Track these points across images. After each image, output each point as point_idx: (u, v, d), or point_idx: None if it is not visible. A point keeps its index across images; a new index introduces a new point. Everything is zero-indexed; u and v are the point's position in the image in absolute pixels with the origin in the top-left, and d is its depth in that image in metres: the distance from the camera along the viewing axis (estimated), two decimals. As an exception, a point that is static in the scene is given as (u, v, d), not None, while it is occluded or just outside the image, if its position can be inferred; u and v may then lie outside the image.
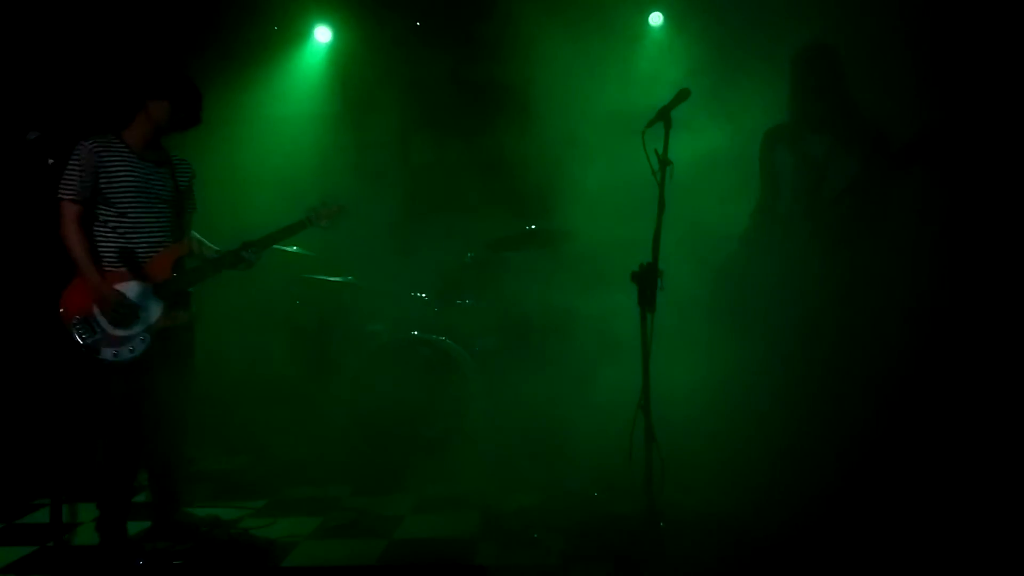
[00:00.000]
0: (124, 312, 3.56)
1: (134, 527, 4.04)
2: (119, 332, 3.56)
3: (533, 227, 5.43)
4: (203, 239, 3.98)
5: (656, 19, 6.31)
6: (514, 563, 3.47)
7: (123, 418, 3.60)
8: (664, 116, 3.44)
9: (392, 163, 6.28)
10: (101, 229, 3.63)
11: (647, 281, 3.24)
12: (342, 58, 6.69)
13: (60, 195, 3.56)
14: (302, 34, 6.66)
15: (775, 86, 4.00)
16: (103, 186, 3.57)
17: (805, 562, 3.19)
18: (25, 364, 4.93)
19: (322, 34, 6.65)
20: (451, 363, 5.18)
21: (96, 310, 3.56)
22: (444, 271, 5.59)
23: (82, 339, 3.52)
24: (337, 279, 5.59)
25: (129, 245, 3.63)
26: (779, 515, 3.45)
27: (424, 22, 6.52)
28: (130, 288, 3.62)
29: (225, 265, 3.85)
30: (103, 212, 3.61)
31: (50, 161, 3.28)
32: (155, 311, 3.64)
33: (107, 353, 3.55)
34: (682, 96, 3.48)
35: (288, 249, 5.49)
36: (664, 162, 3.39)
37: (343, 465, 5.11)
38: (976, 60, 4.50)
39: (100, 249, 3.62)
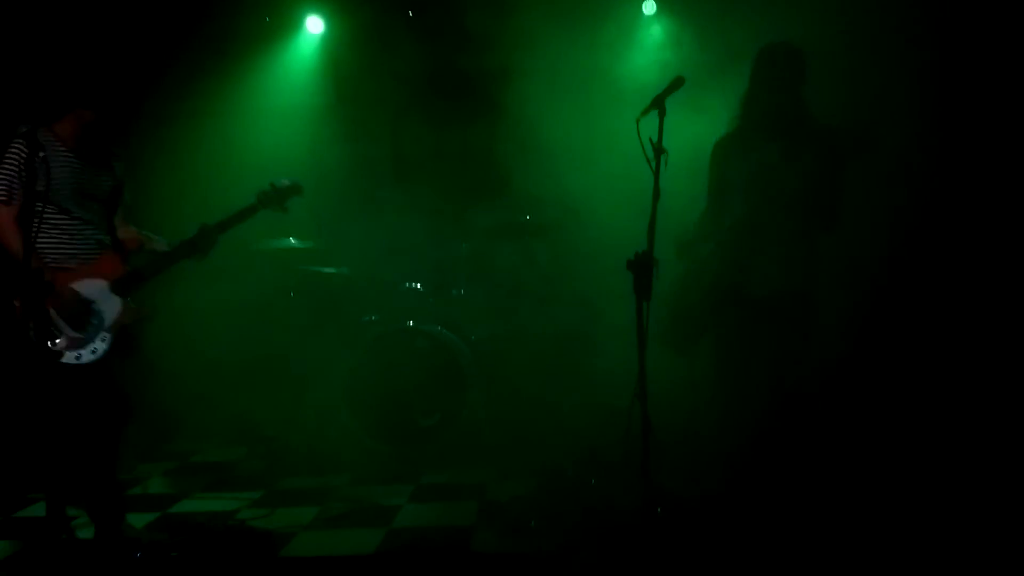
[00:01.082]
0: (79, 310, 3.42)
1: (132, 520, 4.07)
2: (78, 334, 3.43)
3: (527, 217, 5.43)
4: (150, 234, 3.85)
5: (649, 7, 6.29)
6: (511, 551, 3.49)
7: (88, 417, 3.51)
8: (659, 104, 3.43)
9: (385, 154, 6.26)
10: (46, 227, 3.39)
11: (643, 270, 3.24)
12: (334, 49, 6.65)
13: None
14: (294, 25, 6.62)
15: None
16: (41, 184, 3.28)
17: (800, 545, 3.22)
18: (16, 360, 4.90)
19: (314, 25, 6.60)
20: (447, 353, 5.19)
21: (52, 312, 3.39)
22: (439, 261, 5.59)
23: (41, 342, 3.33)
24: (332, 270, 5.59)
25: (75, 242, 3.50)
26: (771, 500, 3.47)
27: (416, 12, 6.49)
28: (84, 286, 3.47)
29: (181, 256, 3.70)
30: (45, 211, 3.34)
31: (40, 155, 3.22)
32: (115, 308, 3.51)
33: (69, 356, 3.41)
34: (676, 84, 3.47)
35: (283, 242, 5.48)
36: (659, 150, 3.37)
37: (340, 455, 5.12)
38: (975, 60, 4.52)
39: (47, 248, 3.44)
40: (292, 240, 5.48)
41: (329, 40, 6.67)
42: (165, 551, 3.52)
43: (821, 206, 3.61)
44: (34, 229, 3.18)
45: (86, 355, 3.43)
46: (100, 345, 3.46)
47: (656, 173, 3.36)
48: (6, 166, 3.41)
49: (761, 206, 3.64)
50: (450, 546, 3.62)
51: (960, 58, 4.55)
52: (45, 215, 3.33)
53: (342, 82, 6.58)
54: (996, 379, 4.27)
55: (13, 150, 3.41)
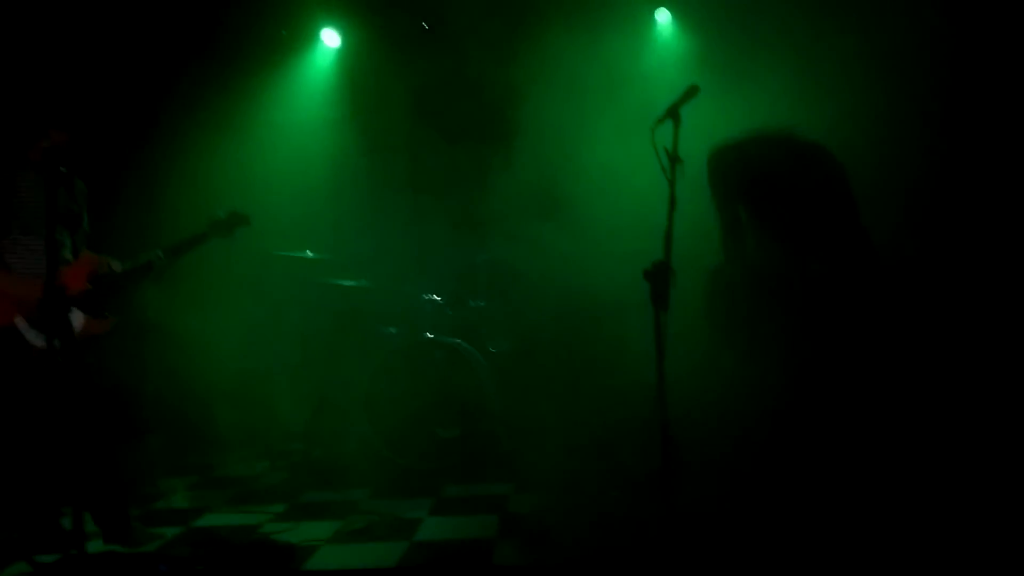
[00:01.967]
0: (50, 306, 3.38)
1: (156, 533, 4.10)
2: (41, 342, 3.49)
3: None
4: (108, 258, 3.89)
5: (663, 16, 6.30)
6: (532, 563, 3.48)
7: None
8: (673, 113, 3.43)
9: (402, 166, 6.30)
10: (7, 244, 3.54)
11: (659, 280, 3.23)
12: (350, 62, 6.71)
13: None
14: (310, 38, 6.68)
15: (783, 79, 3.98)
16: (6, 204, 3.51)
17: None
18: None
19: (330, 38, 6.66)
20: (465, 365, 5.19)
21: (20, 322, 3.49)
22: (457, 273, 5.60)
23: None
24: (351, 283, 5.61)
25: (36, 259, 3.55)
26: (790, 518, 3.44)
27: (432, 24, 6.52)
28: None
29: (138, 276, 3.83)
30: (10, 227, 3.54)
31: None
32: (76, 322, 3.61)
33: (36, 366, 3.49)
34: (691, 93, 3.46)
35: (302, 254, 5.52)
36: (674, 159, 3.37)
37: (361, 468, 5.13)
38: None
39: (9, 263, 3.55)
40: (309, 253, 5.52)
41: (345, 53, 6.73)
42: (190, 565, 3.54)
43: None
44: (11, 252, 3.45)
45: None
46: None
47: (671, 182, 3.36)
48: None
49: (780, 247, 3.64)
50: (472, 559, 3.62)
51: (961, 60, 4.52)
52: (16, 238, 3.55)
53: (359, 95, 6.63)
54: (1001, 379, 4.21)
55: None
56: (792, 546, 3.27)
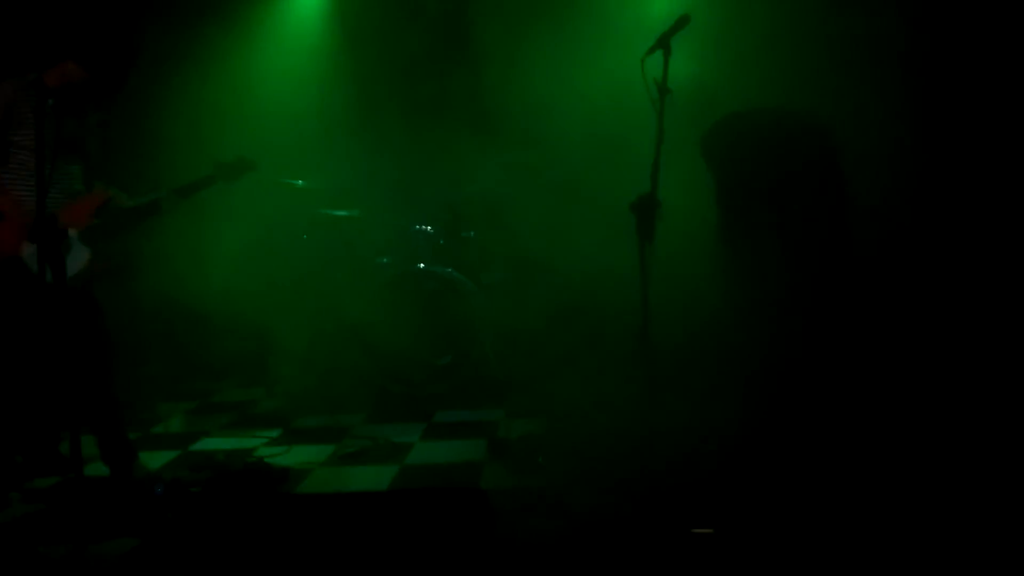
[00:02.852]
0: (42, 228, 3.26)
1: (154, 457, 4.22)
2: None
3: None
4: (116, 190, 3.83)
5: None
6: (518, 486, 3.59)
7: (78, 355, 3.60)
8: (663, 43, 3.40)
9: (396, 95, 6.23)
10: (24, 175, 3.47)
11: (645, 212, 3.26)
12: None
13: None
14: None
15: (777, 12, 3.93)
16: (15, 133, 3.42)
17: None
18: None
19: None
20: (457, 294, 5.25)
21: (25, 250, 3.45)
22: (450, 203, 5.61)
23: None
24: (343, 213, 5.63)
25: (52, 191, 3.42)
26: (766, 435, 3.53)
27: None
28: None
29: (146, 214, 3.77)
30: (16, 158, 3.47)
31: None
32: (82, 256, 3.57)
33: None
34: (682, 22, 3.43)
35: (293, 183, 5.53)
36: (663, 91, 3.36)
37: (354, 395, 5.24)
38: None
39: (16, 193, 3.48)
40: (300, 182, 5.52)
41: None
42: (185, 487, 3.65)
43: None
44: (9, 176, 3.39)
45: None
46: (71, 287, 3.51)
47: (660, 114, 3.35)
48: None
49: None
50: (459, 482, 3.73)
51: (946, 53, 4.46)
52: (22, 160, 3.46)
53: (351, 22, 6.52)
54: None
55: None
56: (775, 478, 3.37)
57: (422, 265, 5.35)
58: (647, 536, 2.94)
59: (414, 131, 5.87)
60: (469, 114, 5.79)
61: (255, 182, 5.12)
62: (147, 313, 5.73)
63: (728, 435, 3.68)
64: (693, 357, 3.98)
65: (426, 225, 5.53)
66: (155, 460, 4.17)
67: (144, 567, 2.92)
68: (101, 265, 3.65)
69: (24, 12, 5.01)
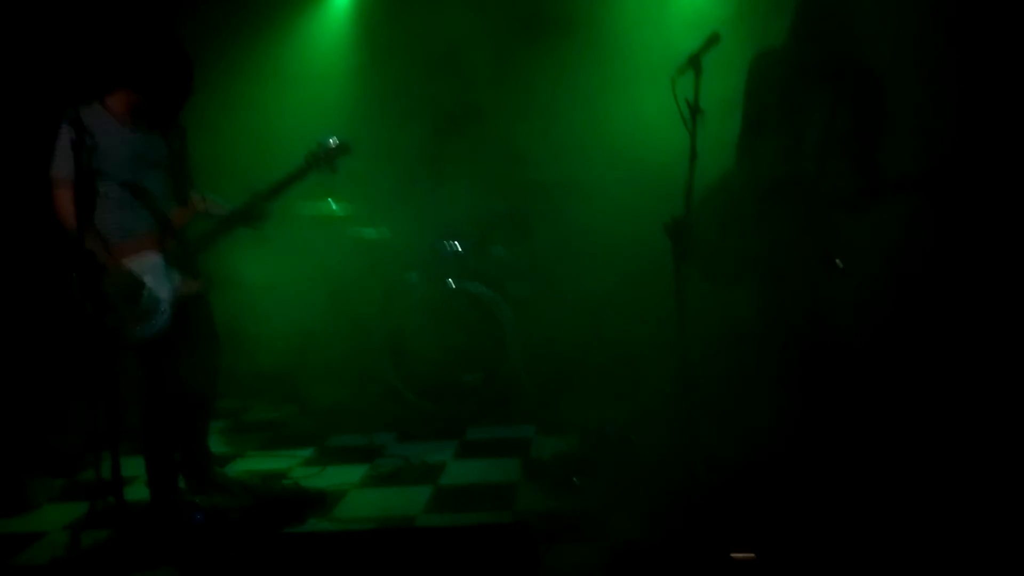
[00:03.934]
0: (132, 287, 3.43)
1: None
2: (135, 311, 3.45)
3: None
4: (214, 197, 3.81)
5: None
6: (555, 509, 3.58)
7: (154, 391, 3.62)
8: (694, 63, 3.39)
9: (422, 112, 6.25)
10: (101, 204, 3.43)
11: (679, 234, 3.25)
12: (367, 9, 6.62)
13: (51, 172, 3.44)
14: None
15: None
16: (95, 161, 3.35)
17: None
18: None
19: (346, -18, 6.58)
20: (487, 310, 5.25)
21: (108, 290, 3.40)
22: (478, 220, 5.62)
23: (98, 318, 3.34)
24: (372, 233, 5.65)
25: (132, 217, 3.51)
26: (821, 458, 3.49)
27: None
28: (140, 262, 3.50)
29: (234, 224, 3.67)
30: (100, 187, 3.44)
31: (88, 136, 3.27)
32: (172, 281, 3.54)
33: (131, 332, 3.46)
34: (713, 41, 3.41)
35: (322, 207, 5.54)
36: (695, 110, 3.34)
37: (387, 413, 5.25)
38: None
39: (102, 224, 3.46)
40: (332, 204, 5.54)
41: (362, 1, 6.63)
42: (224, 514, 3.66)
43: (860, 160, 3.51)
44: (90, 207, 3.34)
45: (146, 330, 3.49)
46: (159, 319, 3.50)
47: (692, 134, 3.35)
48: (61, 142, 3.42)
49: (792, 152, 3.57)
50: (495, 504, 3.71)
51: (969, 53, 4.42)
52: (100, 192, 3.44)
53: (376, 41, 6.55)
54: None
55: (62, 132, 3.42)
56: (821, 493, 3.33)
57: (451, 282, 5.36)
58: (686, 562, 2.92)
59: (441, 148, 5.89)
60: (499, 131, 5.79)
61: (282, 205, 5.18)
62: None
63: (767, 453, 3.65)
64: (730, 375, 3.95)
65: (455, 242, 5.54)
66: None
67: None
68: (191, 288, 3.58)
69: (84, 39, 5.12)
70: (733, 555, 2.88)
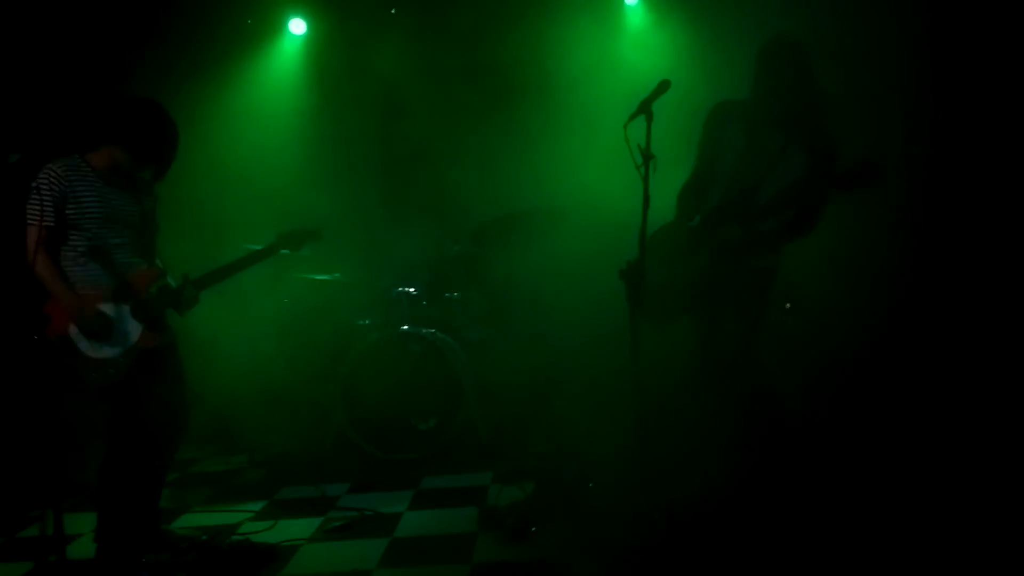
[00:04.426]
0: (96, 324, 3.48)
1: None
2: (98, 354, 3.50)
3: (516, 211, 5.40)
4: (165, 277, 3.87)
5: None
6: (514, 559, 3.52)
7: (115, 436, 3.57)
8: (646, 109, 3.42)
9: (373, 155, 6.25)
10: (70, 254, 3.54)
11: (634, 279, 3.25)
12: (318, 50, 6.64)
13: (27, 220, 3.48)
14: (276, 27, 6.59)
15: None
16: (70, 211, 3.49)
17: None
18: (16, 377, 4.89)
19: (297, 26, 6.58)
20: (441, 356, 5.19)
21: (73, 330, 3.49)
22: (432, 264, 5.59)
23: (64, 360, 3.48)
24: (324, 276, 5.58)
25: (97, 269, 3.56)
26: (776, 499, 3.50)
27: (399, 10, 6.46)
28: (105, 310, 3.55)
29: (203, 284, 3.78)
30: (71, 237, 3.53)
31: (33, 184, 3.25)
32: (134, 332, 3.57)
33: (89, 378, 3.50)
34: (662, 88, 3.45)
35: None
36: (647, 156, 3.37)
37: (339, 461, 5.15)
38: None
39: (69, 274, 3.54)
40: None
41: (313, 41, 6.66)
42: (171, 571, 3.54)
43: (803, 208, 3.58)
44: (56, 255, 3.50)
45: (103, 377, 3.51)
46: (119, 369, 3.52)
47: (645, 180, 3.37)
48: (39, 192, 3.46)
49: (748, 198, 3.63)
50: (452, 557, 3.64)
51: (954, 56, 4.55)
52: (71, 241, 3.53)
53: (327, 83, 6.56)
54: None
55: (43, 179, 3.47)
56: (776, 536, 3.32)
57: (405, 327, 5.30)
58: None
59: (394, 191, 5.88)
60: (450, 173, 5.80)
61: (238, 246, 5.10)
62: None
63: (725, 489, 3.65)
64: (687, 415, 3.95)
65: (408, 286, 5.49)
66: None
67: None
68: (151, 341, 3.60)
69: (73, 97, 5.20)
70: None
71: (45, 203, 3.42)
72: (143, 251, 3.75)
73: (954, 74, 4.56)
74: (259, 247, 4.12)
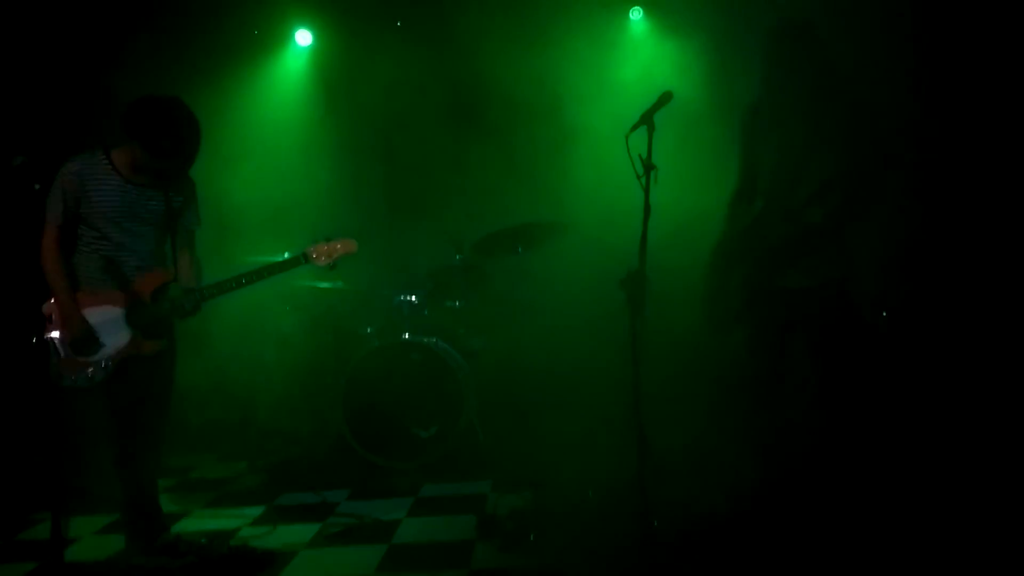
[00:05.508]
0: (83, 341, 3.49)
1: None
2: (79, 358, 3.51)
3: (519, 224, 5.43)
4: (190, 273, 3.82)
5: (636, 13, 6.33)
6: (511, 566, 3.52)
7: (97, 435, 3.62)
8: (647, 120, 3.46)
9: (378, 165, 6.28)
10: (83, 250, 3.58)
11: (634, 288, 3.27)
12: (324, 61, 6.69)
13: (45, 219, 3.52)
14: (283, 38, 6.64)
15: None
16: (84, 209, 3.52)
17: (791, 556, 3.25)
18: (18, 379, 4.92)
19: (303, 38, 6.64)
20: (442, 365, 5.21)
21: (58, 334, 3.50)
22: (433, 273, 5.61)
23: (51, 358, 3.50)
24: (326, 284, 5.61)
25: (110, 267, 3.56)
26: (766, 511, 3.49)
27: (404, 22, 6.51)
28: (99, 313, 3.54)
29: (164, 309, 3.67)
30: (85, 234, 3.57)
31: (36, 187, 3.28)
32: (122, 338, 3.56)
33: (66, 378, 3.51)
34: (664, 99, 3.49)
35: (276, 257, 5.49)
36: (648, 167, 3.40)
37: (339, 468, 5.15)
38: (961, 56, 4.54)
39: (80, 270, 3.57)
40: (286, 255, 5.49)
41: (319, 53, 6.71)
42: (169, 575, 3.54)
43: (851, 196, 3.41)
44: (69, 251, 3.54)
45: (80, 379, 3.51)
46: (98, 372, 3.52)
47: (646, 190, 3.40)
48: (55, 189, 3.51)
49: (789, 193, 3.50)
50: (450, 564, 3.64)
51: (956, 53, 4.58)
52: (84, 238, 3.57)
53: (332, 94, 6.61)
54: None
55: (61, 174, 3.53)
56: (771, 551, 3.32)
57: (407, 335, 5.32)
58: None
59: (397, 201, 5.90)
60: (453, 183, 5.83)
61: (238, 255, 5.14)
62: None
63: (725, 498, 3.65)
64: (686, 423, 3.96)
65: (410, 295, 5.51)
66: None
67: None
68: (137, 348, 3.58)
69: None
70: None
71: (58, 202, 3.49)
72: (163, 250, 3.75)
73: (944, 76, 4.59)
74: (276, 259, 4.08)
